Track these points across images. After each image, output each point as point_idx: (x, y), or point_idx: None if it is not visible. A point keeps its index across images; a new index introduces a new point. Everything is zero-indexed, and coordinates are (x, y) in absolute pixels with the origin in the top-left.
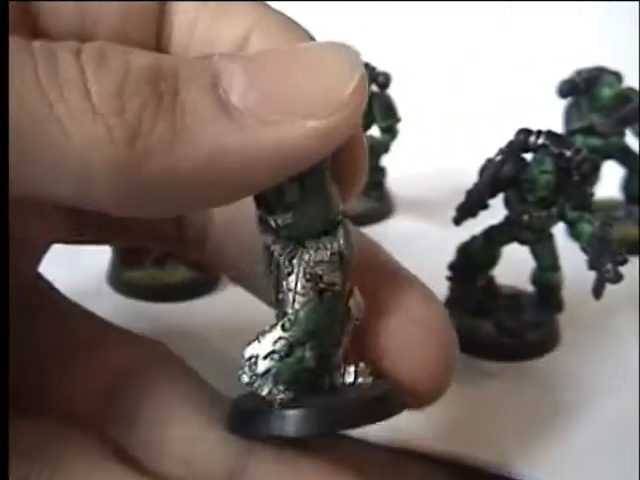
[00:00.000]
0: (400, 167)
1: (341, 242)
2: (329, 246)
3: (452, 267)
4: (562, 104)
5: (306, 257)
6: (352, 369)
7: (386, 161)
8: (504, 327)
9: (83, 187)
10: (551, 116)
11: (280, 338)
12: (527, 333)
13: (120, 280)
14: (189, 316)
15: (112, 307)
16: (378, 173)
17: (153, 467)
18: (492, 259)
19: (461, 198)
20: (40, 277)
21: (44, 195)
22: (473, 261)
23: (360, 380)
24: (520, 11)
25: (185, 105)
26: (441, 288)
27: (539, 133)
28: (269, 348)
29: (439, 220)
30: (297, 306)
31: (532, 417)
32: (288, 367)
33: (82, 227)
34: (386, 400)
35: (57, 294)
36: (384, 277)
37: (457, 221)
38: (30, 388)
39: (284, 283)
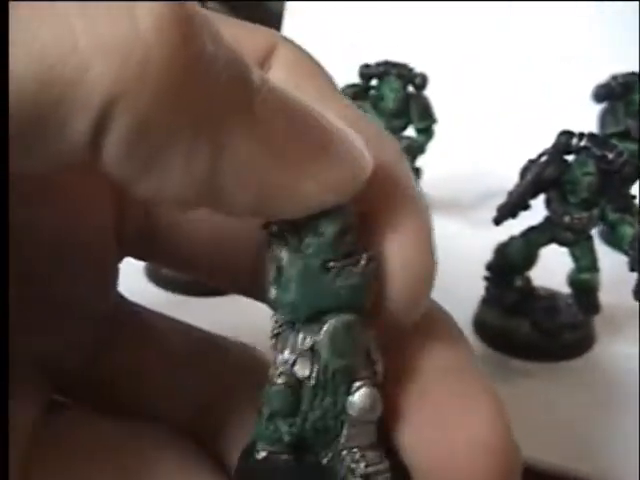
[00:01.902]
0: (435, 168)
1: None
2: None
3: (490, 267)
4: (596, 108)
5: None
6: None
7: (421, 162)
8: (541, 327)
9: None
10: (585, 120)
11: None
12: (564, 334)
13: (158, 273)
14: (226, 310)
15: (150, 300)
16: (414, 174)
17: None
18: (530, 260)
19: (496, 199)
20: (121, 295)
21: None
22: (511, 262)
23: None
24: (553, 14)
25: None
26: (477, 288)
27: (581, 135)
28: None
29: (474, 220)
30: (274, 380)
31: (568, 416)
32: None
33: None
34: None
35: (142, 309)
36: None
37: (497, 221)
38: (127, 399)
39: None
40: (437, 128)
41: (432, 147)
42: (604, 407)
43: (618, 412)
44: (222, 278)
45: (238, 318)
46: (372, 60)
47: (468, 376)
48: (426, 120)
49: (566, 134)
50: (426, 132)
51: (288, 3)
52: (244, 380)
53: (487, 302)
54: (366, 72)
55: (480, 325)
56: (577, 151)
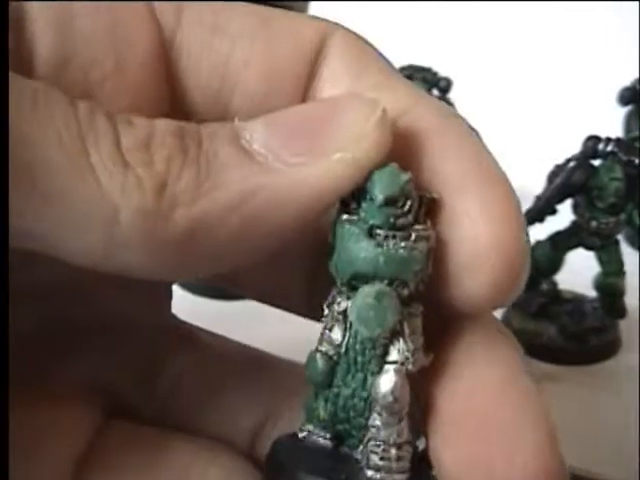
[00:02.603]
0: None
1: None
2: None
3: None
4: (622, 111)
5: (336, 306)
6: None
7: None
8: (567, 331)
9: (111, 240)
10: (611, 123)
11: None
12: (590, 338)
13: None
14: (244, 313)
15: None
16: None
17: None
18: (556, 264)
19: (523, 203)
20: (174, 317)
21: (68, 250)
22: (537, 265)
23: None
24: (579, 18)
25: (208, 154)
26: None
27: (608, 140)
28: None
29: None
30: (315, 346)
31: (594, 420)
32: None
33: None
34: None
35: (196, 329)
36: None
37: None
38: (181, 419)
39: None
40: None
41: None
42: (630, 411)
43: None
44: (274, 299)
45: (253, 322)
46: (397, 64)
47: (520, 390)
48: None
49: (593, 139)
50: None
51: (311, 4)
52: (296, 399)
53: (513, 306)
54: None
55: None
56: (604, 156)
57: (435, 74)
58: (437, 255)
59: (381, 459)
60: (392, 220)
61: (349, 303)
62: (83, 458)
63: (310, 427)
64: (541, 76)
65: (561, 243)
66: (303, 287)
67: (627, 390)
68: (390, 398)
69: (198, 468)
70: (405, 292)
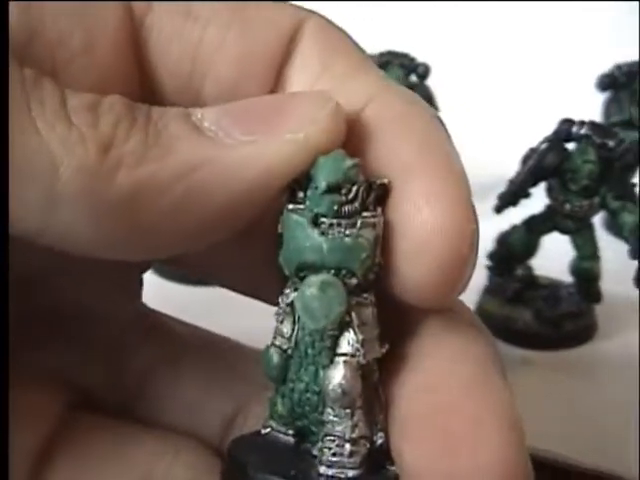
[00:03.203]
0: None
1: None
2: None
3: (491, 256)
4: (601, 97)
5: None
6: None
7: None
8: (543, 316)
9: (51, 197)
10: (590, 109)
11: None
12: (565, 322)
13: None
14: (218, 300)
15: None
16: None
17: None
18: (531, 249)
19: (498, 188)
20: (144, 305)
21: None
22: (512, 250)
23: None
24: (559, 8)
25: (158, 125)
26: (479, 277)
27: (582, 123)
28: None
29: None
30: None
31: (570, 404)
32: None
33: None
34: None
35: (166, 317)
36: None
37: (498, 209)
38: (151, 410)
39: None
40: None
41: None
42: (604, 395)
43: (618, 400)
44: (246, 289)
45: (227, 309)
46: (375, 50)
47: (486, 386)
48: None
49: (567, 122)
50: None
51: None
52: (266, 393)
53: (489, 291)
54: None
55: (482, 314)
56: (578, 139)
57: (413, 60)
58: (386, 243)
59: (333, 455)
60: (336, 207)
61: (296, 294)
62: (45, 449)
63: (272, 423)
64: (520, 62)
65: (536, 227)
66: (275, 277)
67: (602, 375)
68: (339, 391)
69: (163, 464)
70: (353, 281)
